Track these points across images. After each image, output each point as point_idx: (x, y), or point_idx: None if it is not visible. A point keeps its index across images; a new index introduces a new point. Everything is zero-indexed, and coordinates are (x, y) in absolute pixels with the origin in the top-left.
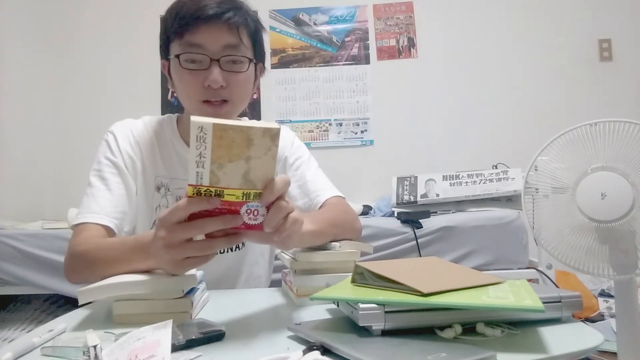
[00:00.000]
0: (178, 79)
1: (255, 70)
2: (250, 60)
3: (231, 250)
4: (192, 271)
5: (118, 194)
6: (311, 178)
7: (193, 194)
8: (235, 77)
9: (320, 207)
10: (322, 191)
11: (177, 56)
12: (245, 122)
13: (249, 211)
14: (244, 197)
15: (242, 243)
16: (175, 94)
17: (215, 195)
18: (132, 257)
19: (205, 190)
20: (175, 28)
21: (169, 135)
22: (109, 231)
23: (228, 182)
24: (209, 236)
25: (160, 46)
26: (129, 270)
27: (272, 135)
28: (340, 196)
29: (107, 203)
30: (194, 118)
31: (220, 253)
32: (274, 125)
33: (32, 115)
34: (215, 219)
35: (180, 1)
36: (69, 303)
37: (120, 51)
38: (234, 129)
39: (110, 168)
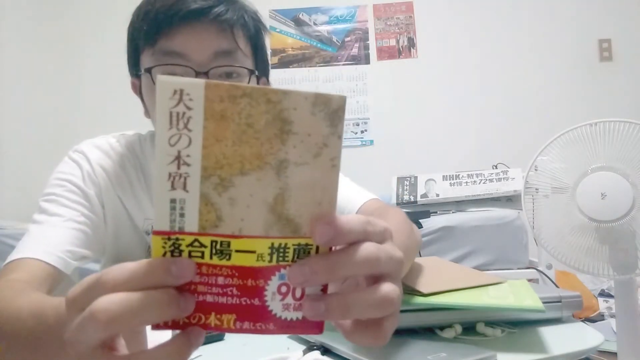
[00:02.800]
0: (151, 101)
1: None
2: (251, 73)
3: None
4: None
5: (79, 229)
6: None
7: (164, 252)
8: None
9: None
10: (353, 200)
11: (149, 70)
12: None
13: (283, 291)
14: (275, 257)
15: None
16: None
17: (216, 252)
18: (51, 346)
19: (191, 245)
20: (145, 33)
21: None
22: (54, 273)
23: (240, 222)
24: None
25: (128, 60)
26: None
27: (333, 112)
28: (377, 199)
29: (59, 238)
30: (164, 77)
31: None
32: (334, 93)
33: (33, 115)
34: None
35: None
36: None
37: (123, 51)
38: (252, 94)
39: (76, 196)
